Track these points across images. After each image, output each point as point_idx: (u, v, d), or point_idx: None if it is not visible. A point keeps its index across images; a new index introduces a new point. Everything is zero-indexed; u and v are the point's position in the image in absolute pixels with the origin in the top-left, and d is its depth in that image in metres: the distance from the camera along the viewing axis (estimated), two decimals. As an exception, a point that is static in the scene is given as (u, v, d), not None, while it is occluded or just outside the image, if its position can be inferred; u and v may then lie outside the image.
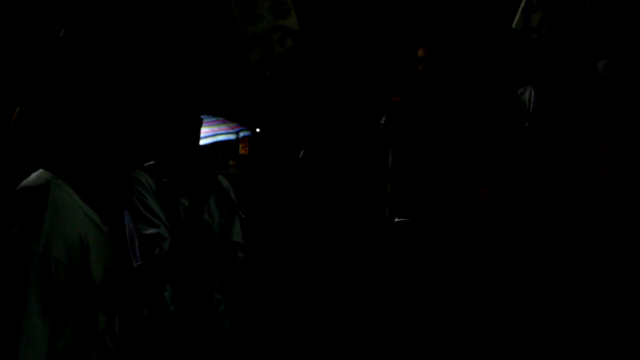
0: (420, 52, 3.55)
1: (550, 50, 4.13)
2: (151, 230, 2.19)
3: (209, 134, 4.83)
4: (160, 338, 2.23)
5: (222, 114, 5.11)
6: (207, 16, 4.58)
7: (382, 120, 3.43)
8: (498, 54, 3.65)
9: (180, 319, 2.25)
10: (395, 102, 3.42)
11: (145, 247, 2.17)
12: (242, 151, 5.57)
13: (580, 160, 3.35)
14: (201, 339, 2.28)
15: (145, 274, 2.20)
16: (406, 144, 3.34)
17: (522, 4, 4.15)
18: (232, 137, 5.10)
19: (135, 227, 2.19)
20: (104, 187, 1.42)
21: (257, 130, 5.15)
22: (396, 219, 3.29)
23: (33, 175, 1.36)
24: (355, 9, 4.46)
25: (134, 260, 2.18)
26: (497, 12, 4.23)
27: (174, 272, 2.23)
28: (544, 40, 4.13)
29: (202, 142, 4.55)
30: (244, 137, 5.33)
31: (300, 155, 3.86)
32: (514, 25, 4.15)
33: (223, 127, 5.03)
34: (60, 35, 1.63)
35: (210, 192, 2.25)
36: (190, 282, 2.27)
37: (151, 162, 2.30)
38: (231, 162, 5.39)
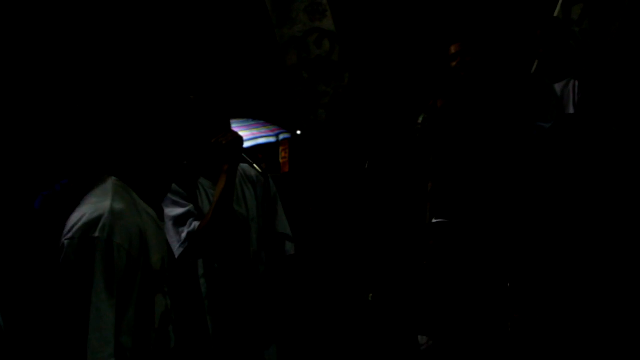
0: (454, 49, 3.48)
1: (592, 43, 4.04)
2: (181, 210, 2.18)
3: (249, 137, 4.85)
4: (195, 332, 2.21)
5: (262, 117, 5.13)
6: (244, 21, 4.61)
7: (420, 120, 3.39)
8: (542, 45, 3.59)
9: (215, 317, 2.21)
10: (435, 104, 3.37)
11: (179, 227, 2.15)
12: (282, 154, 5.59)
13: (624, 153, 3.28)
14: (239, 338, 2.24)
15: (186, 260, 2.17)
16: (445, 144, 3.30)
17: (562, -3, 4.08)
18: (272, 139, 5.11)
19: (167, 215, 2.17)
20: (159, 189, 1.63)
21: (298, 132, 5.16)
22: (434, 220, 3.26)
23: (99, 180, 1.57)
24: (390, 7, 4.44)
25: (175, 250, 2.17)
26: (535, 6, 4.15)
27: (206, 255, 2.20)
28: (586, 33, 4.04)
29: (248, 143, 4.59)
30: (284, 139, 5.34)
31: (366, 166, 3.85)
32: (554, 19, 4.07)
33: (263, 130, 5.05)
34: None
35: (235, 169, 2.18)
36: (225, 276, 2.23)
37: None
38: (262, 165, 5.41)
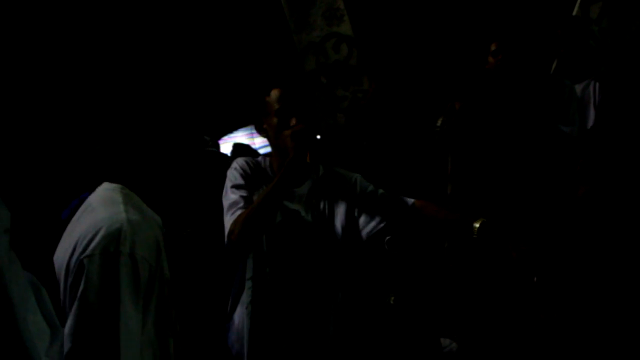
0: (493, 46, 3.48)
1: (611, 42, 4.01)
2: (233, 196, 2.12)
3: (268, 142, 4.87)
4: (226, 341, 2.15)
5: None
6: (263, 27, 4.64)
7: (439, 123, 3.39)
8: (563, 45, 3.57)
9: (255, 328, 2.12)
10: (454, 107, 3.37)
11: (229, 215, 2.08)
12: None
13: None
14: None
15: (232, 254, 2.12)
16: (465, 146, 3.29)
17: (580, -4, 4.05)
18: (291, 144, 5.12)
19: (223, 206, 2.14)
20: (164, 195, 1.56)
21: (317, 137, 5.17)
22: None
23: (101, 188, 1.50)
24: (408, 10, 4.44)
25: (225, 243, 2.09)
26: (552, 5, 4.13)
27: (256, 255, 2.10)
28: (605, 32, 4.01)
29: (261, 151, 4.62)
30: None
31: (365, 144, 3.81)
32: (572, 19, 4.04)
33: (282, 135, 5.06)
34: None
35: (294, 163, 2.05)
36: (277, 284, 2.13)
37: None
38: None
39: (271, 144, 2.25)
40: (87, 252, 1.35)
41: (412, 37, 4.41)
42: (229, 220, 2.08)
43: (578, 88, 3.51)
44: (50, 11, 3.95)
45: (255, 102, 2.25)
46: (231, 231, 2.05)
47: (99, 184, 1.53)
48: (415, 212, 2.19)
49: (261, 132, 2.26)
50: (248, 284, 2.15)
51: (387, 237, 2.38)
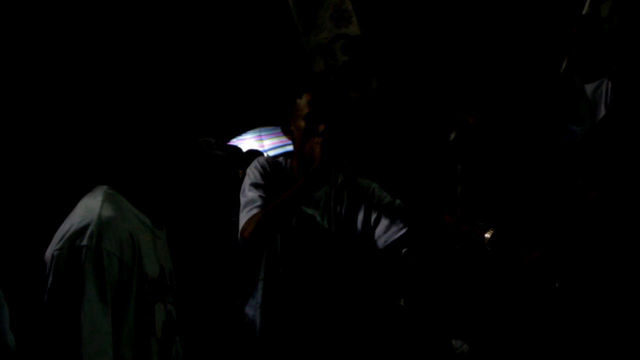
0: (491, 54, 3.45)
1: (623, 40, 3.98)
2: (251, 194, 2.12)
3: (278, 144, 4.87)
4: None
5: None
6: (272, 30, 4.64)
7: (452, 137, 3.34)
8: (576, 44, 3.54)
9: (266, 329, 2.11)
10: (468, 121, 3.34)
11: (245, 212, 2.08)
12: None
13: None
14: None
15: (245, 252, 2.12)
16: (477, 154, 3.25)
17: (590, -6, 4.02)
18: (300, 146, 5.12)
19: (240, 202, 2.13)
20: (154, 196, 1.58)
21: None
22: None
23: (91, 190, 1.56)
24: (417, 12, 4.42)
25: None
26: (561, 4, 4.10)
27: (269, 257, 2.10)
28: (616, 30, 3.98)
29: (270, 153, 4.61)
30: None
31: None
32: (582, 17, 4.01)
33: (291, 138, 5.06)
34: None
35: (320, 171, 2.04)
36: (289, 286, 2.13)
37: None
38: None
39: (295, 146, 2.25)
40: (58, 245, 1.42)
41: (420, 38, 4.40)
42: (244, 217, 2.09)
43: (590, 87, 3.48)
44: (54, 12, 3.95)
45: (285, 103, 2.24)
46: (244, 229, 2.06)
47: (95, 185, 1.58)
48: (430, 223, 2.18)
49: (287, 133, 2.26)
50: (260, 284, 2.15)
51: (405, 250, 2.38)
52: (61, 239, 1.43)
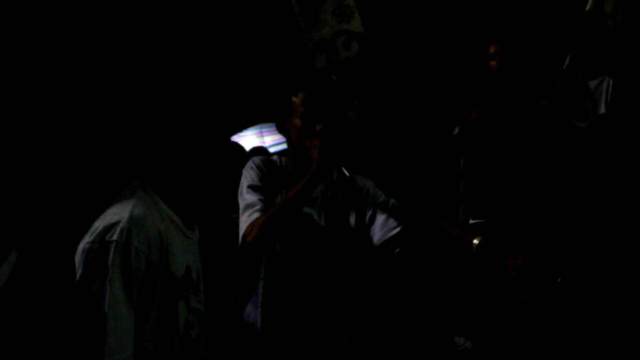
0: (492, 48, 3.43)
1: (626, 37, 3.96)
2: (250, 197, 2.11)
3: (278, 141, 4.87)
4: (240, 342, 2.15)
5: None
6: (273, 25, 4.62)
7: (456, 131, 3.32)
8: (579, 40, 3.53)
9: (267, 326, 2.10)
10: (470, 115, 3.32)
11: (245, 216, 2.06)
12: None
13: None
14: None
15: (247, 255, 2.11)
16: (481, 149, 3.24)
17: (594, -10, 4.01)
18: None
19: (239, 205, 2.12)
20: (185, 195, 1.62)
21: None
22: (471, 221, 3.21)
23: (125, 187, 1.60)
24: (420, 6, 4.41)
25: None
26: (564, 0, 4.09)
27: (268, 256, 2.09)
28: (620, 27, 3.96)
29: (271, 149, 4.60)
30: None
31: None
32: (586, 14, 4.00)
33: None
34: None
35: (319, 173, 2.02)
36: (287, 283, 2.12)
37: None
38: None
39: (290, 144, 2.23)
40: (89, 239, 1.48)
41: (423, 32, 4.38)
42: (245, 221, 2.07)
43: (592, 84, 3.46)
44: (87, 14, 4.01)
45: (280, 100, 2.23)
46: (247, 233, 2.04)
47: (130, 182, 1.62)
48: (422, 223, 2.20)
49: (282, 131, 2.24)
50: (260, 283, 2.14)
51: (397, 250, 2.38)
52: (93, 233, 1.48)
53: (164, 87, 1.62)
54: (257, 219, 2.04)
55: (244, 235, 2.05)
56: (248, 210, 2.09)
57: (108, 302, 1.41)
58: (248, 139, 4.79)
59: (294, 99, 2.17)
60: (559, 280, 2.05)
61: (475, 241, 2.08)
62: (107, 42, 4.16)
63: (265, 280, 2.14)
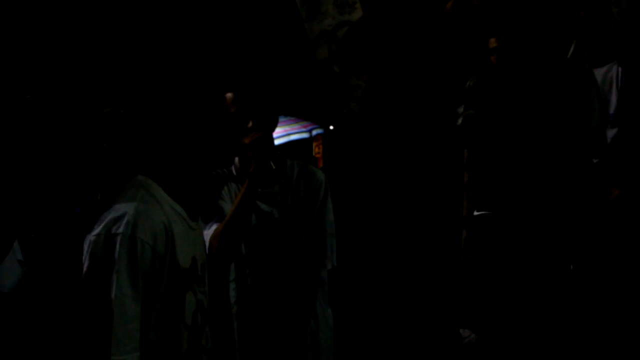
0: (493, 42, 3.40)
1: (632, 24, 3.92)
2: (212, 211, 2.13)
3: (282, 134, 4.84)
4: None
5: (294, 113, 5.12)
6: (274, 17, 4.60)
7: (460, 121, 3.28)
8: (585, 27, 3.49)
9: (242, 323, 2.17)
10: (470, 86, 3.28)
11: (207, 229, 2.08)
12: (316, 149, 5.56)
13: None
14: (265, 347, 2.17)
15: (214, 263, 2.10)
16: (486, 138, 3.21)
17: (599, -23, 3.96)
18: (305, 135, 5.09)
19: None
20: (189, 187, 1.64)
21: (331, 127, 5.13)
22: (476, 212, 3.19)
23: (130, 180, 1.62)
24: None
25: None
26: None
27: (237, 260, 2.14)
28: (625, 13, 3.92)
29: (275, 142, 4.58)
30: (317, 135, 5.31)
31: None
32: (589, 2, 3.96)
33: (295, 127, 5.03)
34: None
35: (258, 172, 2.03)
36: (257, 282, 2.16)
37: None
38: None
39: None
40: (95, 231, 1.50)
41: (425, 24, 4.36)
42: (207, 233, 2.09)
43: (599, 72, 3.42)
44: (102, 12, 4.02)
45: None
46: (211, 245, 2.07)
47: (135, 175, 1.64)
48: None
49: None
50: (232, 285, 2.20)
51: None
52: (99, 226, 1.50)
53: (164, 81, 1.63)
54: (215, 230, 2.09)
55: (209, 248, 2.08)
56: (210, 222, 2.13)
57: (115, 294, 1.43)
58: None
59: (226, 97, 2.16)
60: (571, 267, 2.03)
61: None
62: (103, 32, 4.16)
63: (237, 282, 2.20)
